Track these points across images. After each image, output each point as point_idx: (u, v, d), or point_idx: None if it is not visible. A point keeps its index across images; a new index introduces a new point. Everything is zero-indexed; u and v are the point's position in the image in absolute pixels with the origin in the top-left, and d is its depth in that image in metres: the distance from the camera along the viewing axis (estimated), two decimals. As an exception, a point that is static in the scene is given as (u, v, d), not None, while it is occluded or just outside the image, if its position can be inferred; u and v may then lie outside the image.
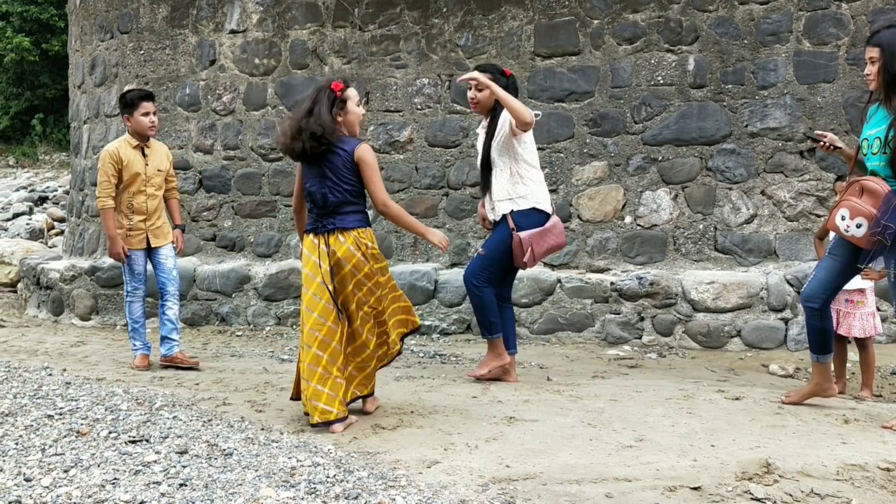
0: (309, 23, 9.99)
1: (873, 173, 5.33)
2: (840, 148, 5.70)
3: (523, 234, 6.35)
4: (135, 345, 7.61)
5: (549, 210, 6.54)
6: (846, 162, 5.87)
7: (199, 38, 10.42)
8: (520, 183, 6.45)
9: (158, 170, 7.53)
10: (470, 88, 6.55)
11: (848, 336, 6.94)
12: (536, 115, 6.38)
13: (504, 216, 6.48)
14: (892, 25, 5.32)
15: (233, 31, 10.25)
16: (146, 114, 7.37)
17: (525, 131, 6.35)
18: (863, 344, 6.94)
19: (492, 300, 6.51)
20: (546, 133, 9.24)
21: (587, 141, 9.27)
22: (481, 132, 6.71)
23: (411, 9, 9.71)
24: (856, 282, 6.70)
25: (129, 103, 7.40)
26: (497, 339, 6.58)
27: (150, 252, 7.56)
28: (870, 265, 5.59)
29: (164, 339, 7.53)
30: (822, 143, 5.68)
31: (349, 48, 9.89)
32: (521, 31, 9.43)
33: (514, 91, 6.47)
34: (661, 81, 9.14)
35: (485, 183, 6.64)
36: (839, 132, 8.80)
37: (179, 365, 7.43)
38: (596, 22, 9.23)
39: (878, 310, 8.12)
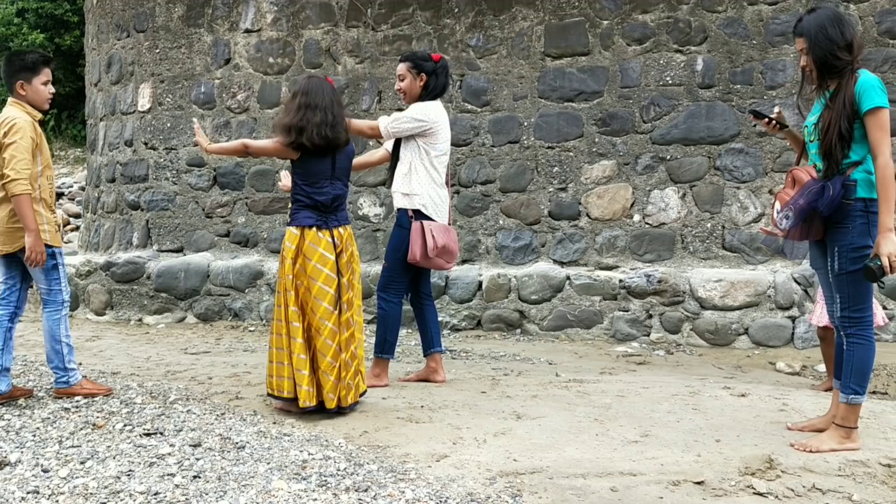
0: (323, 22, 10.09)
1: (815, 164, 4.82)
2: (787, 128, 5.15)
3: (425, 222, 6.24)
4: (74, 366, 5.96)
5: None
6: (793, 148, 5.26)
7: (214, 37, 10.53)
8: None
9: None
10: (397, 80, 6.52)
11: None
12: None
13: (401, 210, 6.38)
14: (815, 9, 4.87)
15: (247, 31, 10.36)
16: (46, 83, 5.80)
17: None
18: (822, 335, 6.78)
19: (396, 316, 6.35)
20: (556, 132, 9.35)
21: (596, 140, 9.34)
22: None
23: (423, 9, 9.80)
24: None
25: (29, 66, 5.74)
26: (384, 359, 6.36)
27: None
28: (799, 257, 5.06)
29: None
30: (766, 120, 5.13)
31: (362, 48, 9.98)
32: (532, 32, 9.51)
33: (444, 75, 6.37)
34: (670, 81, 9.21)
35: None
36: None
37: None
38: (605, 22, 9.30)
39: (884, 308, 8.18)
